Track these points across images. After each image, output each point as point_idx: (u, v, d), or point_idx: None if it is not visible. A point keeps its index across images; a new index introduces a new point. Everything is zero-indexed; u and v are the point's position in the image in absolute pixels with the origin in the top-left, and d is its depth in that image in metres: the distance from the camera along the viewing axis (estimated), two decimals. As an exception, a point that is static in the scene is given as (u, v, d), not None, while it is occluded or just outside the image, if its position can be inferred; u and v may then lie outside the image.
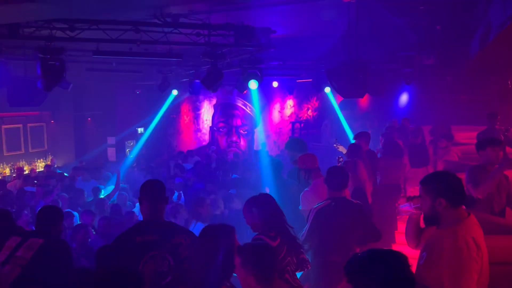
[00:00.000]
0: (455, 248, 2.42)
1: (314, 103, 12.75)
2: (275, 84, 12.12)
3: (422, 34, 7.82)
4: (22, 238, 3.43)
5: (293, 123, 12.46)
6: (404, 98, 10.96)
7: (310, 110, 12.85)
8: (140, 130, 14.04)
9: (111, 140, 13.15)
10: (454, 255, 2.41)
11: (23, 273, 3.14)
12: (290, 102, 13.17)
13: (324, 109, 12.48)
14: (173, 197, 7.52)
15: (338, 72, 7.50)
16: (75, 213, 6.44)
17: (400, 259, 1.72)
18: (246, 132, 13.94)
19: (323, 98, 12.31)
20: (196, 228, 5.21)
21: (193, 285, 2.71)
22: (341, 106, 11.85)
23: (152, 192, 3.08)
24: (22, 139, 11.76)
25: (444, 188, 2.57)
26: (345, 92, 8.23)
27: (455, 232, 2.47)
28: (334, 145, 7.25)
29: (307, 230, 3.82)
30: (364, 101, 11.45)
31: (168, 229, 3.01)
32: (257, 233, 3.23)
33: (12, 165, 11.12)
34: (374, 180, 6.44)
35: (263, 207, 3.24)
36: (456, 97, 10.33)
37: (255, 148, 13.52)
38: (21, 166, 10.95)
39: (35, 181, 9.27)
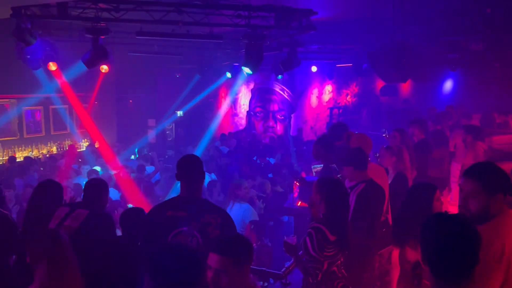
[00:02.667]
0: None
1: (354, 88, 12.52)
2: (314, 68, 11.98)
3: (469, 17, 7.46)
4: (70, 208, 3.61)
5: (331, 109, 12.32)
6: (448, 84, 10.57)
7: (349, 96, 12.63)
8: (179, 113, 14.30)
9: (152, 122, 13.48)
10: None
11: (71, 241, 3.30)
12: (328, 88, 12.99)
13: (364, 95, 12.23)
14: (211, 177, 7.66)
15: (380, 56, 7.34)
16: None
17: None
18: (283, 117, 13.91)
19: (363, 84, 12.07)
20: (234, 209, 5.29)
21: None
22: (382, 91, 11.57)
23: (188, 168, 3.01)
24: (68, 119, 12.24)
25: (504, 182, 2.29)
26: (387, 76, 8.05)
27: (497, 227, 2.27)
28: (384, 135, 7.12)
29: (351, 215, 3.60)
30: (406, 87, 11.13)
31: (200, 207, 2.92)
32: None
33: (59, 144, 11.63)
34: (420, 170, 6.19)
35: (332, 195, 3.07)
36: (504, 85, 9.84)
37: (291, 134, 13.49)
38: (68, 145, 11.46)
39: (79, 159, 9.72)
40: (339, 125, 5.37)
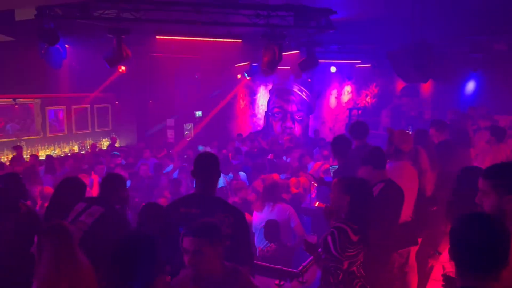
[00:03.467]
0: None
1: (373, 89, 12.39)
2: (333, 69, 11.91)
3: (493, 16, 7.29)
4: (87, 204, 3.65)
5: (350, 110, 12.21)
6: (470, 85, 10.36)
7: (369, 97, 12.51)
8: (198, 113, 14.39)
9: (170, 122, 13.60)
10: None
11: (83, 237, 3.34)
12: (348, 88, 12.89)
13: (384, 96, 12.09)
14: (228, 178, 7.66)
15: (400, 55, 7.23)
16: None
17: None
18: (301, 118, 13.86)
19: (383, 84, 11.93)
20: (276, 210, 5.06)
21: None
22: (403, 92, 11.42)
23: (203, 166, 3.01)
24: (89, 118, 12.48)
25: None
26: (407, 76, 7.93)
27: None
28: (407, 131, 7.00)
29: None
30: (427, 87, 10.96)
31: (213, 205, 2.91)
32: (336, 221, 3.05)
33: (80, 143, 11.86)
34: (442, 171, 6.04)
35: (358, 194, 3.02)
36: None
37: (309, 134, 13.43)
38: (89, 144, 11.68)
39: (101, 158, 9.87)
40: (360, 123, 5.28)
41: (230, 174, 7.97)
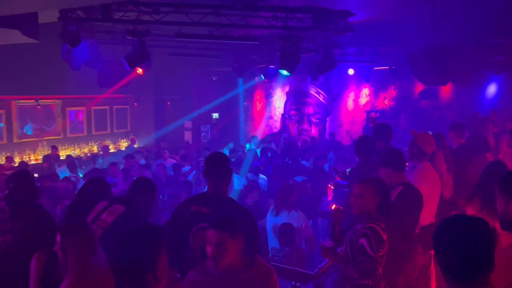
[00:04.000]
0: None
1: (392, 92, 12.27)
2: (350, 71, 11.84)
3: (516, 18, 7.16)
4: (109, 203, 3.71)
5: (368, 112, 12.11)
6: (492, 88, 10.16)
7: (387, 100, 12.39)
8: (215, 115, 14.48)
9: (188, 123, 13.72)
10: None
11: (104, 235, 3.40)
12: (365, 91, 12.79)
13: (403, 98, 11.96)
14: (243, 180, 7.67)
15: (419, 57, 7.15)
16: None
17: None
18: (318, 121, 13.81)
19: (402, 87, 11.81)
20: (292, 216, 5.09)
21: None
22: (421, 95, 11.28)
23: (214, 165, 3.01)
24: (108, 120, 12.68)
25: None
26: (426, 79, 7.84)
27: None
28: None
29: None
30: (447, 90, 10.80)
31: (224, 205, 2.92)
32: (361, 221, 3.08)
33: (99, 143, 12.05)
34: (458, 175, 5.96)
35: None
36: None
37: (326, 137, 13.37)
38: (107, 144, 11.87)
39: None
40: (384, 126, 5.28)
41: (249, 175, 7.97)
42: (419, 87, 11.23)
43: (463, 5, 6.65)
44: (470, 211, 3.04)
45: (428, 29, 6.84)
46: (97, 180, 4.17)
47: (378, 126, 5.34)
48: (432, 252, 3.78)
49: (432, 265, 4.01)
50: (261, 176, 7.70)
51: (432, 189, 4.17)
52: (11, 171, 8.04)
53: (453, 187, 5.57)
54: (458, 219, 1.76)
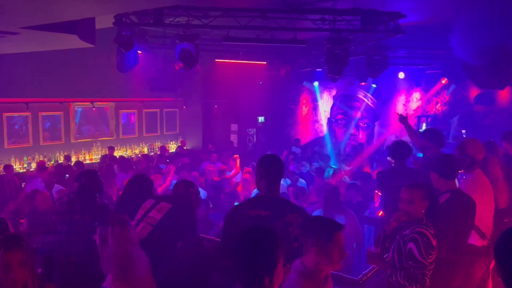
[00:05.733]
0: None
1: (445, 96, 11.78)
2: (401, 75, 11.51)
3: None
4: (156, 201, 3.85)
5: (418, 118, 11.68)
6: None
7: (439, 104, 11.91)
8: (260, 119, 14.55)
9: (234, 127, 13.87)
10: None
11: (153, 232, 3.53)
12: (416, 95, 12.36)
13: (456, 103, 11.44)
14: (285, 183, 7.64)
15: (475, 60, 6.85)
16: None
17: None
18: (365, 125, 13.52)
19: (456, 91, 11.31)
20: (347, 220, 5.09)
21: None
22: (476, 100, 10.73)
23: (268, 167, 3.02)
24: (158, 122, 13.08)
25: None
26: (483, 82, 7.49)
27: None
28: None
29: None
30: (505, 95, 10.22)
31: (282, 206, 2.92)
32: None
33: (150, 145, 12.46)
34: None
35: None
36: None
37: (374, 142, 13.05)
38: (158, 146, 12.26)
39: (167, 160, 10.32)
40: (436, 131, 5.13)
41: (287, 180, 7.95)
42: (474, 91, 10.71)
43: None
44: None
45: (484, 31, 6.53)
46: (141, 176, 4.41)
47: (430, 131, 5.18)
48: (491, 265, 3.59)
49: (490, 278, 3.80)
50: (301, 180, 7.66)
51: (486, 200, 3.95)
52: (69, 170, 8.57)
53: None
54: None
